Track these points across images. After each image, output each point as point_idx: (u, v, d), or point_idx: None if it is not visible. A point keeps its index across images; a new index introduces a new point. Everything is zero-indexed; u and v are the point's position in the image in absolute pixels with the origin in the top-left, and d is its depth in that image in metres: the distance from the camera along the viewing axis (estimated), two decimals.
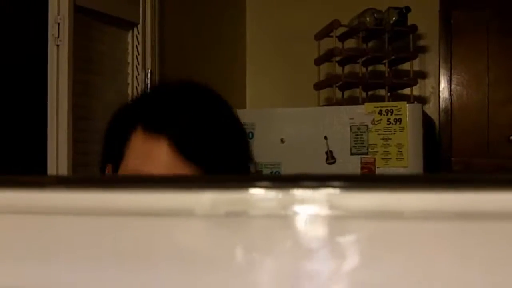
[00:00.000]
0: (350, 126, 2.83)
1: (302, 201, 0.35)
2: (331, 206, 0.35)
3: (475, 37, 3.37)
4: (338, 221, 0.35)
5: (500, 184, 0.32)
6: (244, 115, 3.02)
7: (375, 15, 3.21)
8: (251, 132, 2.93)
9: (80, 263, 0.36)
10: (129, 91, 2.71)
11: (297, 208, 0.36)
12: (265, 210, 0.36)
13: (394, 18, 3.20)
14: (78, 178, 0.42)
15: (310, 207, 0.35)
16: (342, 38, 3.31)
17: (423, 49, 3.57)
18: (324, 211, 0.35)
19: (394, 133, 2.79)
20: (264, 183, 0.36)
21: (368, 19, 3.22)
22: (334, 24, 3.19)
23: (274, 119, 2.97)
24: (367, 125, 2.82)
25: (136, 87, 2.72)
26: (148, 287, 0.37)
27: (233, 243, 0.36)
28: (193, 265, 0.36)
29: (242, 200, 0.36)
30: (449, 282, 0.33)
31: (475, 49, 3.37)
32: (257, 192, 0.36)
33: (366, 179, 0.36)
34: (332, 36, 3.23)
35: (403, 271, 0.35)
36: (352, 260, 0.34)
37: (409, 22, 3.22)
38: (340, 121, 2.85)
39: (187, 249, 0.36)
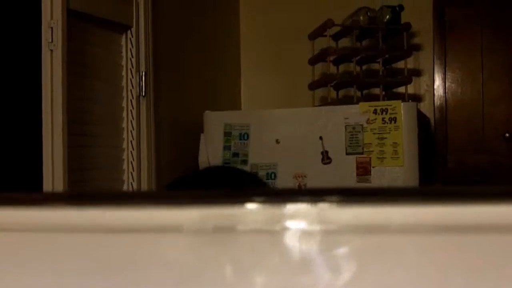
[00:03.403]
0: (345, 126, 2.83)
1: (289, 216, 0.35)
2: (319, 221, 0.35)
3: (468, 34, 3.38)
4: (325, 236, 0.35)
5: (482, 198, 0.32)
6: (240, 117, 3.03)
7: (369, 13, 3.21)
8: (246, 133, 2.93)
9: (68, 280, 0.36)
10: (124, 94, 2.71)
11: (285, 223, 0.36)
12: (253, 225, 0.36)
13: (387, 17, 3.21)
14: (65, 195, 0.42)
15: (297, 222, 0.35)
16: (336, 37, 3.31)
17: (417, 47, 3.57)
18: (311, 226, 0.35)
19: (389, 132, 2.79)
20: (252, 198, 0.36)
21: (361, 17, 3.22)
22: (328, 24, 3.19)
23: (269, 120, 2.97)
24: (362, 125, 2.82)
25: (131, 89, 2.72)
26: None
27: (221, 259, 0.36)
28: (180, 282, 0.36)
29: (230, 215, 0.36)
30: None
31: (469, 46, 3.38)
32: (245, 207, 0.36)
33: (353, 193, 0.36)
34: (326, 36, 3.23)
35: (388, 283, 0.35)
36: (338, 274, 0.34)
37: (403, 20, 3.22)
38: (335, 121, 2.85)
39: (174, 265, 0.36)
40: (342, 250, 0.35)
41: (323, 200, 0.35)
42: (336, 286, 0.35)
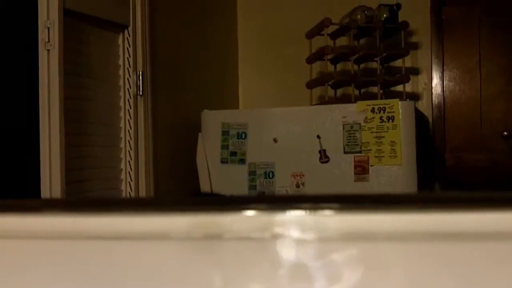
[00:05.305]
0: (343, 125, 2.83)
1: (279, 224, 0.35)
2: (307, 229, 0.35)
3: (466, 33, 3.37)
4: (312, 244, 0.35)
5: (466, 205, 0.32)
6: (237, 116, 3.03)
7: (366, 12, 3.21)
8: (244, 132, 2.93)
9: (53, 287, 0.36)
10: (121, 93, 2.70)
11: (274, 230, 0.36)
12: (241, 233, 0.36)
13: (385, 15, 3.20)
14: (50, 202, 0.42)
15: (285, 230, 0.35)
16: (334, 36, 3.31)
17: (414, 46, 3.57)
18: (302, 234, 0.35)
19: (387, 131, 2.79)
20: (240, 206, 0.36)
21: (359, 16, 3.22)
22: (325, 22, 3.19)
23: (267, 119, 2.97)
24: (359, 124, 2.82)
25: (128, 89, 2.71)
26: None
27: (209, 267, 0.36)
28: None
29: (219, 223, 0.36)
30: None
31: (467, 45, 3.37)
32: (233, 215, 0.36)
33: (337, 200, 0.36)
34: (323, 35, 3.23)
35: None
36: (326, 283, 0.34)
37: (400, 19, 3.22)
38: (332, 120, 2.85)
39: (162, 272, 0.36)
40: (326, 259, 0.35)
41: (316, 208, 0.35)
42: None
